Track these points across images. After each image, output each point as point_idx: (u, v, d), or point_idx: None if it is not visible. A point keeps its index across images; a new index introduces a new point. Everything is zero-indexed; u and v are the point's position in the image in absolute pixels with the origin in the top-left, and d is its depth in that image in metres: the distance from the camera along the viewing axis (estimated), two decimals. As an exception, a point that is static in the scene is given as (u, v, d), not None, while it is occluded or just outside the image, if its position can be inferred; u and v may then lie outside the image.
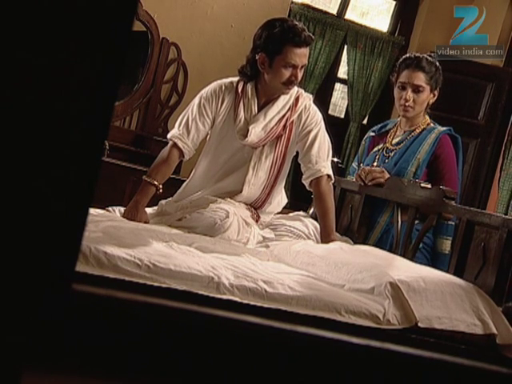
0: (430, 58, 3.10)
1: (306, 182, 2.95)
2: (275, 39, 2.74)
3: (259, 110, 2.86)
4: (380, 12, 6.33)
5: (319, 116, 2.95)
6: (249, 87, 2.85)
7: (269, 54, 2.76)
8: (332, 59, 5.93)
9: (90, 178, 0.89)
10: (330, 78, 6.09)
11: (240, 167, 2.88)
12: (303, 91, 2.95)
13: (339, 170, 3.14)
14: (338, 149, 5.81)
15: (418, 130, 3.11)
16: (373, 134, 3.31)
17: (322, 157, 2.90)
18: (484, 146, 5.73)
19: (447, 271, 2.52)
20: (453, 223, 2.89)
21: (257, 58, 2.80)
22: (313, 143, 2.90)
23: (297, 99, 2.90)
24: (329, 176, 2.91)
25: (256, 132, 2.83)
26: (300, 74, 2.79)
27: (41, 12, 0.85)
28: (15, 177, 0.86)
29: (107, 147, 4.42)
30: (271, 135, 2.87)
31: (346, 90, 6.09)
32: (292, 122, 2.90)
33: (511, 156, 5.51)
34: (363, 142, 3.37)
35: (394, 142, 3.15)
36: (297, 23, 2.78)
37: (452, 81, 5.26)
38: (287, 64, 2.73)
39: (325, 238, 2.83)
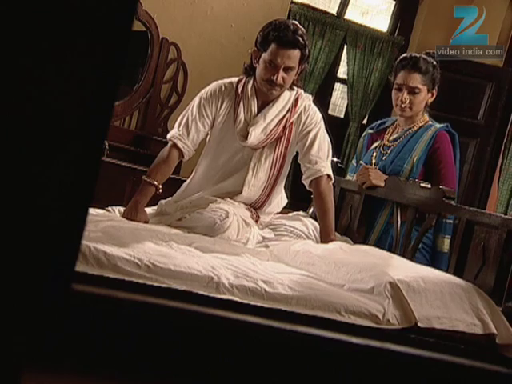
0: (427, 58, 3.09)
1: (305, 182, 2.95)
2: (264, 36, 2.77)
3: (259, 110, 2.87)
4: (380, 12, 6.33)
5: (319, 116, 2.95)
6: (248, 87, 2.86)
7: (259, 49, 2.80)
8: (332, 59, 5.93)
9: (90, 178, 0.89)
10: (330, 78, 6.09)
11: (240, 168, 2.88)
12: (303, 92, 2.95)
13: (339, 170, 3.14)
14: (337, 149, 5.81)
15: (415, 128, 3.11)
16: (371, 131, 3.31)
17: (321, 157, 2.90)
18: (484, 145, 5.73)
19: (447, 270, 2.52)
20: (451, 221, 2.89)
21: (250, 51, 2.85)
22: (312, 143, 2.90)
23: (296, 100, 2.90)
24: (328, 176, 2.91)
25: (256, 134, 2.83)
26: (285, 76, 2.76)
27: (40, 12, 0.85)
28: (15, 177, 0.86)
29: (107, 147, 4.42)
30: (271, 137, 2.87)
31: (346, 89, 6.09)
32: (292, 123, 2.90)
33: (511, 156, 5.51)
34: (361, 140, 3.37)
35: (391, 138, 3.16)
36: (292, 25, 2.76)
37: (452, 81, 5.27)
38: (269, 62, 2.75)
39: (324, 237, 2.83)
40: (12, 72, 0.84)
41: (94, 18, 0.87)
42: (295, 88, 2.90)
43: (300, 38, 2.75)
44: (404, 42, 6.13)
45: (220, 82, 2.93)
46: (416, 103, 3.06)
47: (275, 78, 2.75)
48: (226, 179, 2.89)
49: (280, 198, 3.04)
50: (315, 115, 2.94)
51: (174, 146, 2.85)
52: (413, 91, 3.04)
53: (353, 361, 1.98)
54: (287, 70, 2.76)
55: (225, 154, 2.90)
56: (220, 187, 2.88)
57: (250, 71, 2.87)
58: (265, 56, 2.76)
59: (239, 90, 2.87)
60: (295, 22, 2.85)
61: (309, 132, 2.91)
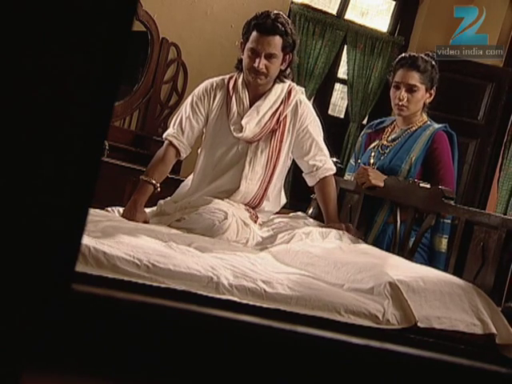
0: (425, 57, 3.10)
1: (311, 180, 3.00)
2: (246, 26, 2.84)
3: (251, 103, 2.89)
4: (380, 12, 6.32)
5: (313, 111, 3.00)
6: (239, 81, 2.89)
7: (243, 40, 2.85)
8: (332, 59, 5.93)
9: (90, 178, 0.89)
10: (330, 78, 6.09)
11: (235, 163, 2.90)
12: (295, 85, 2.98)
13: (338, 170, 3.15)
14: (337, 149, 5.80)
15: (413, 128, 3.12)
16: (369, 130, 3.32)
17: (326, 154, 3.00)
18: (484, 145, 5.73)
19: (444, 270, 2.53)
20: (449, 221, 2.90)
21: (237, 44, 2.91)
22: (317, 143, 2.95)
23: (289, 93, 2.92)
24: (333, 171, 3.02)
25: (250, 128, 2.85)
26: (268, 64, 2.79)
27: (40, 12, 0.85)
28: (15, 177, 0.86)
29: (107, 147, 4.42)
30: (265, 130, 2.88)
31: (346, 90, 6.08)
32: (285, 116, 2.92)
33: (511, 156, 5.51)
34: (360, 139, 3.38)
35: (389, 138, 3.16)
36: (274, 14, 2.81)
37: (452, 81, 5.27)
38: (250, 49, 2.79)
39: (330, 223, 2.90)
40: (12, 72, 0.85)
41: (94, 18, 0.87)
42: (287, 81, 2.92)
43: (280, 25, 2.79)
44: (404, 42, 6.12)
45: (211, 79, 2.98)
46: (414, 101, 3.07)
47: (257, 64, 2.77)
48: (222, 175, 2.90)
49: (279, 198, 3.04)
50: (311, 111, 2.99)
51: (170, 144, 2.88)
52: (411, 89, 3.05)
53: (353, 361, 1.98)
54: (269, 57, 2.79)
55: (220, 149, 2.91)
56: (217, 185, 2.89)
57: (239, 65, 2.91)
58: (247, 45, 2.80)
59: (230, 86, 2.90)
60: (278, 12, 2.90)
61: (311, 131, 2.94)
